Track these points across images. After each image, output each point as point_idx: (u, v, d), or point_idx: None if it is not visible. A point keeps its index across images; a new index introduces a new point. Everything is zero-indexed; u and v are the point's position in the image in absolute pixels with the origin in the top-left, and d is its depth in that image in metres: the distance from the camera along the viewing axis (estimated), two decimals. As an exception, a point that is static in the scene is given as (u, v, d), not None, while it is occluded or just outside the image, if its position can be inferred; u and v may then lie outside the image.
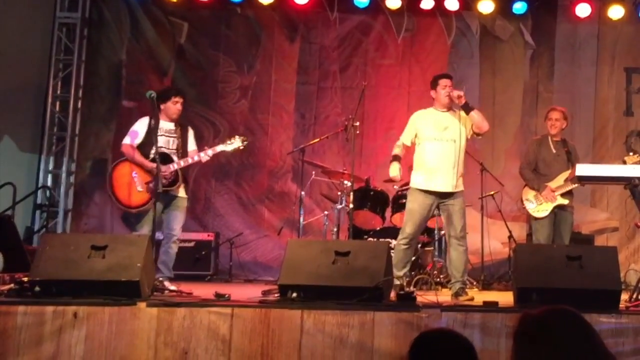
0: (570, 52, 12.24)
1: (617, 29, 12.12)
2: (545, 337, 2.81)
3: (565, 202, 8.90)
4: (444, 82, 8.35)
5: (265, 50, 12.27)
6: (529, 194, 9.03)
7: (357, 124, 8.91)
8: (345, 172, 9.89)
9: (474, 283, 9.96)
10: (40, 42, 12.00)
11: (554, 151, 9.06)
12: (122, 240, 7.16)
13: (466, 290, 8.21)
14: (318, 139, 10.67)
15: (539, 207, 8.91)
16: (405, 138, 8.39)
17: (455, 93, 8.17)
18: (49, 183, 11.82)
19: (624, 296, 7.00)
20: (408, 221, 8.19)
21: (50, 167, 11.85)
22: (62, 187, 11.72)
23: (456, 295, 7.93)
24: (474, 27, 12.28)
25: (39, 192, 11.71)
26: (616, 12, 11.80)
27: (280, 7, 12.15)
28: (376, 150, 11.25)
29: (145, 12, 12.16)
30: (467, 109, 8.19)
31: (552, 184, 8.89)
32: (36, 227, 11.55)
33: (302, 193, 10.33)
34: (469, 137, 8.36)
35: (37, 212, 11.65)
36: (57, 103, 11.96)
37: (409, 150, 8.43)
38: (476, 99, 12.07)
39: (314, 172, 10.57)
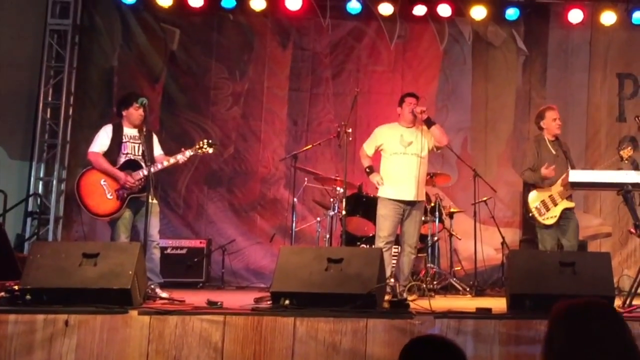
0: (562, 58, 12.24)
1: (609, 35, 12.13)
2: (581, 326, 2.85)
3: (572, 205, 8.79)
4: (409, 100, 8.92)
5: (258, 57, 12.24)
6: (536, 202, 8.78)
7: (350, 130, 9.00)
8: (338, 178, 9.90)
9: (467, 289, 9.94)
10: (31, 49, 11.94)
11: (553, 152, 8.90)
12: (114, 247, 7.17)
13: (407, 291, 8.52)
14: (310, 146, 10.66)
15: (547, 213, 8.70)
16: (369, 148, 9.01)
17: (419, 109, 8.73)
18: (40, 190, 11.74)
19: (618, 302, 6.99)
20: (382, 225, 8.67)
21: (41, 174, 11.76)
22: (53, 194, 11.64)
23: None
24: (466, 33, 12.27)
25: (30, 200, 11.64)
26: (608, 18, 11.81)
27: (273, 13, 12.12)
28: (369, 157, 11.26)
29: (137, 19, 12.12)
30: (429, 123, 8.73)
31: (553, 190, 8.74)
32: (27, 235, 11.47)
33: (295, 200, 10.32)
34: (430, 150, 8.90)
35: (28, 220, 11.56)
36: (48, 110, 11.87)
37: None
38: (469, 105, 12.12)
39: (306, 179, 10.57)
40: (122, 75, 12.06)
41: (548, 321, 2.95)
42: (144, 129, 8.40)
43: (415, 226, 8.72)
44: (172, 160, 8.38)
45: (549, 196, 8.74)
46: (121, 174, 8.18)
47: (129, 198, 8.18)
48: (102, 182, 8.23)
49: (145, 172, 8.16)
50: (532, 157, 8.96)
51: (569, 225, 8.76)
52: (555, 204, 8.71)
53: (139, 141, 8.36)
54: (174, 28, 12.21)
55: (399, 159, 8.70)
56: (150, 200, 8.21)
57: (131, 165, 8.22)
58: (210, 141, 8.58)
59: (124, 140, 8.32)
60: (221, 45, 12.26)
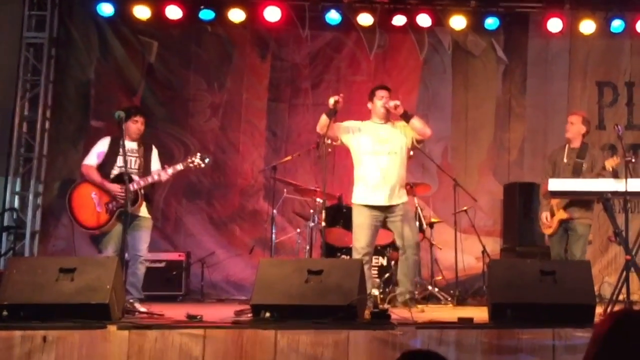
0: (542, 67, 12.27)
1: (588, 44, 12.15)
2: (620, 336, 2.75)
3: (565, 216, 8.71)
4: (380, 93, 8.47)
5: (236, 68, 12.19)
6: (545, 211, 8.95)
7: (329, 141, 8.81)
8: (318, 189, 9.83)
9: (449, 299, 9.92)
10: (7, 63, 11.80)
11: (565, 160, 8.88)
12: (91, 262, 7.03)
13: (415, 300, 8.18)
14: (290, 157, 10.62)
15: (547, 223, 8.87)
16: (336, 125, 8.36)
17: (392, 103, 8.24)
18: (16, 205, 11.60)
19: (599, 309, 6.96)
20: (358, 235, 8.30)
21: (17, 188, 11.63)
22: (29, 208, 11.50)
23: (405, 304, 7.88)
24: (446, 42, 12.27)
25: (6, 214, 11.50)
26: (587, 26, 11.82)
27: (251, 24, 12.05)
28: (348, 168, 11.06)
29: (114, 31, 12.01)
30: (406, 117, 8.25)
31: (553, 201, 8.72)
32: (3, 250, 11.32)
33: (274, 211, 10.26)
34: (409, 147, 8.44)
35: (4, 235, 11.41)
36: (24, 124, 11.72)
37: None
38: (449, 114, 12.11)
39: (285, 190, 10.51)
40: (99, 88, 11.97)
41: (599, 333, 2.83)
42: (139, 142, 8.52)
43: (408, 228, 8.27)
44: (155, 177, 8.34)
45: (551, 207, 8.77)
46: (112, 186, 8.16)
47: (118, 212, 8.13)
48: (93, 195, 8.23)
49: (136, 186, 8.16)
50: (549, 166, 9.03)
51: (570, 237, 8.79)
52: (553, 215, 8.74)
53: (136, 155, 8.43)
54: (151, 40, 12.12)
55: (373, 159, 8.29)
56: (139, 214, 8.32)
57: (123, 179, 8.10)
58: (202, 155, 8.51)
59: (120, 153, 8.23)
60: (199, 57, 12.20)
